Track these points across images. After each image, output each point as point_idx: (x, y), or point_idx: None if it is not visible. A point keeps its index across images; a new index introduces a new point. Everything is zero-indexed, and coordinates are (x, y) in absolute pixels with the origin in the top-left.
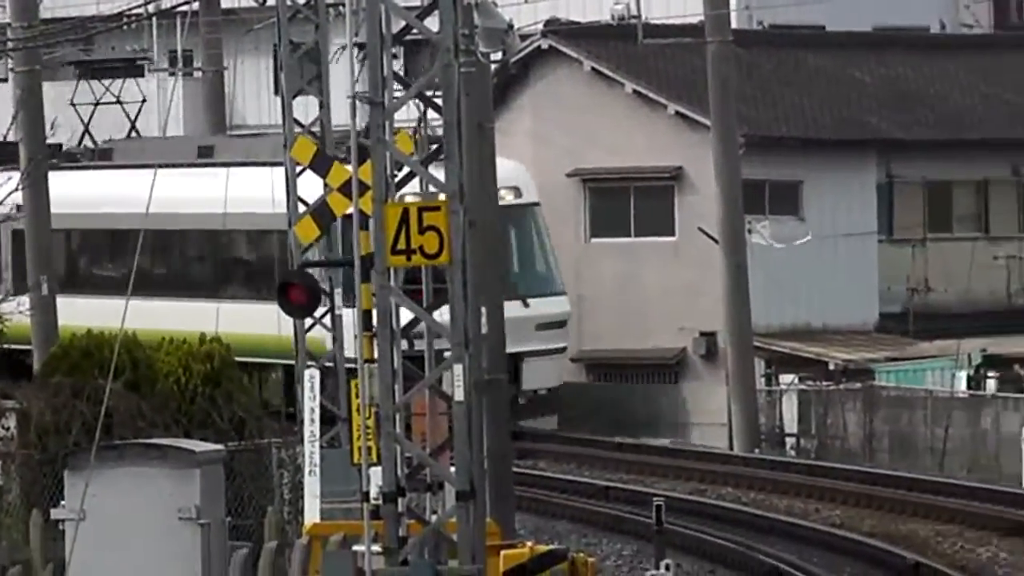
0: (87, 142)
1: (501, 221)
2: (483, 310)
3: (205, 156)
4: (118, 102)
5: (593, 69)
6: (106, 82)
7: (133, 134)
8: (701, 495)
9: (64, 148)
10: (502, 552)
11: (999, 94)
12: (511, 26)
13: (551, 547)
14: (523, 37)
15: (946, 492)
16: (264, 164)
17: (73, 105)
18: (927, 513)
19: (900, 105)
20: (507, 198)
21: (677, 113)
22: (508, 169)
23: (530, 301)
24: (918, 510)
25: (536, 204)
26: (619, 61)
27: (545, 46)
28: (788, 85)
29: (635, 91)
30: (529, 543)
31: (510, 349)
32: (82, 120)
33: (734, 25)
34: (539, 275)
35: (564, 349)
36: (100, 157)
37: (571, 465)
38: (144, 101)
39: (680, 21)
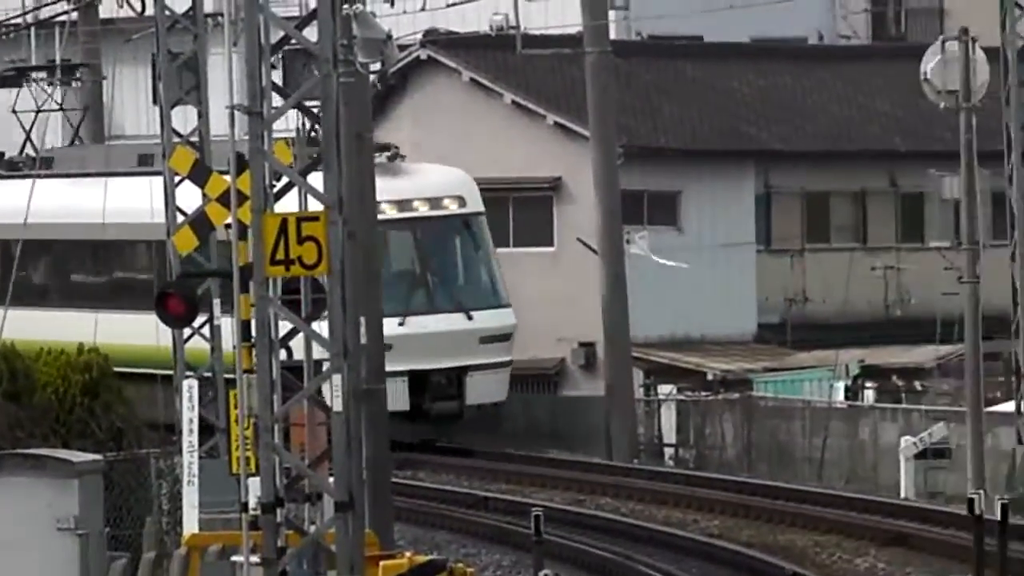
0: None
1: (445, 231)
2: (362, 320)
3: (145, 164)
4: (61, 109)
5: (472, 79)
6: (50, 89)
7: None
8: (580, 505)
9: (6, 156)
10: (381, 562)
11: (876, 105)
12: (390, 36)
13: (430, 557)
14: (402, 47)
15: (824, 502)
16: (144, 174)
17: (14, 112)
18: (805, 523)
19: (778, 116)
20: (451, 207)
21: (556, 123)
22: (452, 178)
23: (474, 314)
24: (796, 520)
25: (481, 213)
26: (498, 71)
27: (424, 56)
28: (667, 95)
29: (514, 101)
30: (408, 553)
31: (453, 363)
32: (23, 128)
33: (613, 35)
34: (484, 287)
35: (510, 363)
36: (43, 165)
37: (450, 475)
38: (87, 108)
39: (559, 31)
